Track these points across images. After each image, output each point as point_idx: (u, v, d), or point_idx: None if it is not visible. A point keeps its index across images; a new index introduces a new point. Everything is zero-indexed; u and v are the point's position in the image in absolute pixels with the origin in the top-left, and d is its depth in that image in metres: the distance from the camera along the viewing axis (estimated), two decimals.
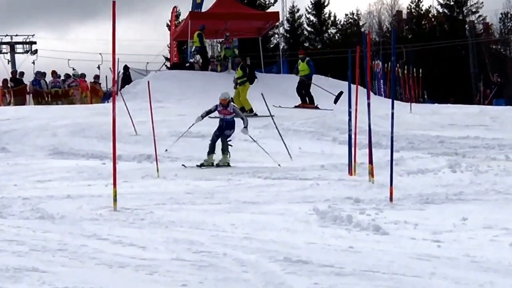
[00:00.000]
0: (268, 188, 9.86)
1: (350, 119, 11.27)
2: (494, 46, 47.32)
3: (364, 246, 5.98)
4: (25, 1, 63.03)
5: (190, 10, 27.90)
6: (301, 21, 49.07)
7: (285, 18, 46.44)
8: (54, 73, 24.41)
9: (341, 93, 17.95)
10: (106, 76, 27.61)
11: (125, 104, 15.46)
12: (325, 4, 48.62)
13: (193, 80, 22.63)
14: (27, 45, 36.36)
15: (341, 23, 49.53)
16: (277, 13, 29.43)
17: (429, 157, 12.71)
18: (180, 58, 30.87)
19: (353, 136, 11.15)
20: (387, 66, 28.13)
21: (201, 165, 11.92)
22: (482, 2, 46.55)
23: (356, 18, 49.61)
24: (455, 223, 7.02)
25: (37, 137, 15.70)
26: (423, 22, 48.19)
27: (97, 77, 25.70)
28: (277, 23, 31.19)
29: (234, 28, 26.17)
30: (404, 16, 49.72)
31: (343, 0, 59.47)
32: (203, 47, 24.63)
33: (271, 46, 44.92)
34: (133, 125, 15.49)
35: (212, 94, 18.48)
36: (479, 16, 47.03)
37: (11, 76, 25.00)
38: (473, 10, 46.86)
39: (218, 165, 12.05)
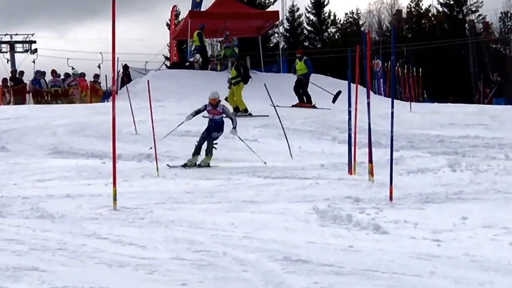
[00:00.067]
0: (268, 187, 9.86)
1: (350, 118, 11.26)
2: (494, 45, 47.32)
3: (363, 245, 5.98)
4: (25, 0, 63.05)
5: (190, 9, 27.89)
6: (301, 20, 49.08)
7: (284, 17, 46.45)
8: (53, 72, 24.40)
9: (339, 92, 17.94)
10: (105, 75, 27.64)
11: (130, 102, 15.38)
12: (325, 3, 48.64)
13: (193, 79, 22.62)
14: (27, 44, 36.34)
15: (341, 22, 49.57)
16: (277, 12, 29.42)
17: (429, 156, 12.71)
18: (180, 57, 30.87)
19: (353, 135, 11.15)
20: (387, 65, 28.13)
21: (185, 165, 11.90)
22: (482, 1, 46.59)
23: (356, 17, 49.64)
24: (455, 222, 7.02)
25: (37, 136, 15.69)
26: (423, 21, 48.18)
27: (96, 76, 25.69)
28: (277, 22, 31.18)
29: (233, 27, 26.16)
30: (404, 15, 49.72)
31: None
32: (203, 46, 24.61)
33: (271, 45, 44.92)
34: (135, 124, 15.47)
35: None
36: (479, 15, 47.07)
37: (10, 75, 24.98)
38: (473, 9, 46.89)
39: (199, 165, 12.02)
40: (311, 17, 48.87)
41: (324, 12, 48.76)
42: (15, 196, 9.03)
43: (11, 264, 5.14)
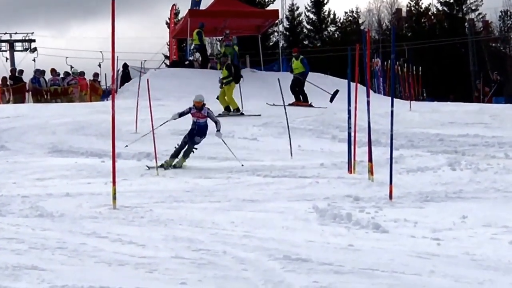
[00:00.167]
0: (267, 186, 9.85)
1: (349, 117, 11.26)
2: (493, 44, 47.30)
3: (363, 244, 5.98)
4: None
5: (189, 8, 27.87)
6: (300, 19, 49.05)
7: (284, 16, 46.43)
8: (53, 71, 24.39)
9: (337, 91, 17.91)
10: (105, 74, 27.62)
11: (137, 101, 15.30)
12: (325, 2, 48.60)
13: (193, 78, 22.60)
14: (26, 43, 36.32)
15: (341, 21, 49.53)
16: (277, 11, 29.38)
17: (428, 155, 12.70)
18: (180, 56, 30.86)
19: (352, 134, 11.14)
20: (387, 64, 28.12)
21: (162, 166, 11.82)
22: (481, 0, 46.57)
23: (355, 16, 49.62)
24: (454, 221, 7.02)
25: (37, 135, 15.68)
26: (422, 20, 48.16)
27: (96, 75, 25.67)
28: (277, 21, 31.15)
29: (233, 26, 26.13)
30: (404, 14, 49.70)
31: None
32: (203, 45, 24.59)
33: (271, 44, 44.91)
34: (136, 123, 15.45)
35: (212, 92, 18.46)
36: (479, 14, 47.04)
37: (10, 74, 24.97)
38: (473, 8, 46.85)
39: (175, 166, 11.94)
40: (311, 15, 48.87)
41: (324, 10, 48.78)
42: (15, 195, 9.02)
43: (11, 263, 5.14)
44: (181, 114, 12.37)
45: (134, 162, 12.62)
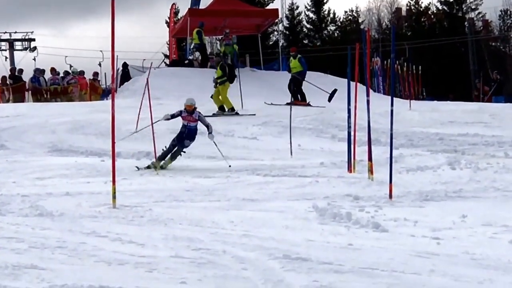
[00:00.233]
0: (267, 186, 9.85)
1: (349, 116, 11.26)
2: (493, 43, 47.29)
3: (363, 244, 5.98)
4: None
5: (189, 7, 27.86)
6: (300, 18, 49.03)
7: (284, 15, 46.40)
8: (53, 70, 24.38)
9: (335, 90, 17.90)
10: (105, 73, 27.61)
11: (142, 100, 15.31)
12: (324, 1, 48.58)
13: (192, 77, 22.59)
14: (26, 42, 36.31)
15: (341, 20, 49.50)
16: (276, 10, 29.36)
17: (428, 154, 12.70)
18: (179, 55, 30.85)
19: (352, 133, 11.14)
20: (387, 63, 28.11)
21: (148, 167, 11.75)
22: None
23: (355, 15, 49.59)
24: (454, 220, 7.02)
25: (36, 134, 15.67)
26: (422, 19, 48.15)
27: (96, 74, 25.66)
28: (276, 20, 31.14)
29: (233, 25, 26.12)
30: (404, 13, 49.68)
31: None
32: (203, 44, 24.59)
33: (270, 43, 44.90)
34: (137, 122, 15.44)
35: (211, 91, 18.47)
36: (479, 13, 47.00)
37: (10, 73, 24.96)
38: (473, 7, 46.82)
39: (161, 167, 11.85)
40: (311, 15, 48.85)
41: (324, 10, 48.75)
42: (15, 194, 9.02)
43: (11, 262, 5.14)
44: (172, 116, 12.22)
45: (133, 161, 12.61)
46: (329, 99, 18.22)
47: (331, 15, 49.00)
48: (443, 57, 41.90)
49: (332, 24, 49.38)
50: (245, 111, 18.18)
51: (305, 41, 48.12)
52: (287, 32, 48.13)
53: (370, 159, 10.26)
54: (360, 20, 49.34)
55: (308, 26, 49.13)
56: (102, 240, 6.12)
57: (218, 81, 18.19)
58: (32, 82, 23.66)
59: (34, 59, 29.70)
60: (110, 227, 6.73)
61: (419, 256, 5.53)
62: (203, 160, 12.59)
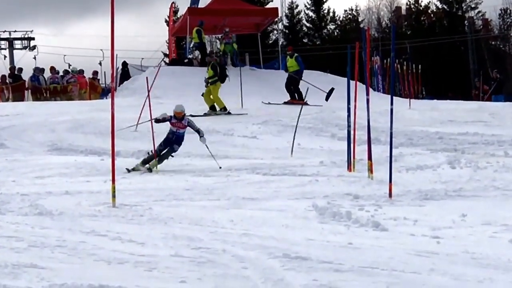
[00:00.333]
0: (267, 185, 9.85)
1: (349, 115, 11.25)
2: (493, 42, 47.28)
3: (363, 242, 5.98)
4: None
5: (189, 5, 27.85)
6: (300, 17, 49.01)
7: (284, 14, 46.37)
8: (52, 69, 24.38)
9: (332, 89, 17.89)
10: (104, 72, 27.60)
11: (148, 98, 15.32)
12: (324, 0, 48.58)
13: (192, 76, 22.58)
14: (26, 41, 36.30)
15: (340, 19, 49.49)
16: (276, 9, 29.34)
17: (428, 153, 12.70)
18: (179, 54, 30.83)
19: (352, 132, 11.14)
20: (386, 62, 28.10)
21: (133, 169, 11.62)
22: None
23: (355, 14, 49.58)
24: (454, 219, 7.02)
25: (36, 133, 15.67)
26: (422, 18, 48.14)
27: (95, 73, 25.66)
28: (276, 19, 31.12)
29: (232, 24, 26.11)
30: (403, 12, 49.67)
31: None
32: (202, 43, 24.57)
33: (270, 42, 44.88)
34: (138, 121, 15.44)
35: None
36: (478, 12, 46.99)
37: (9, 72, 24.95)
38: (472, 6, 46.81)
39: (149, 169, 11.77)
40: (310, 14, 48.84)
41: (323, 9, 48.74)
42: (14, 193, 9.02)
43: (10, 261, 5.13)
44: (164, 119, 12.10)
45: (133, 160, 12.61)
46: (326, 98, 18.21)
47: (331, 14, 49.01)
48: (443, 56, 41.90)
49: (332, 23, 49.38)
50: (244, 110, 18.17)
51: (305, 40, 48.11)
52: (287, 31, 48.11)
53: (369, 158, 10.25)
54: (360, 19, 49.34)
55: (308, 25, 49.11)
56: (101, 239, 6.12)
57: (210, 81, 18.19)
58: (32, 81, 23.65)
59: (35, 58, 29.72)
60: (110, 226, 6.73)
61: (418, 255, 5.53)
62: (203, 159, 12.58)
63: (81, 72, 24.88)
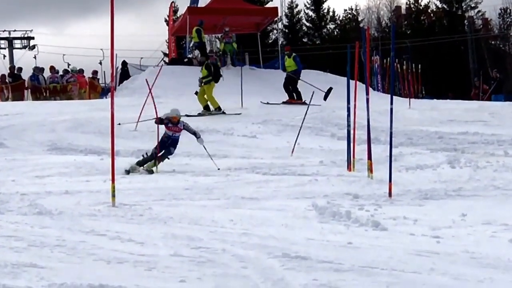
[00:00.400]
0: (266, 184, 9.84)
1: (349, 115, 11.25)
2: (493, 42, 47.28)
3: (363, 242, 5.98)
4: None
5: (188, 5, 27.85)
6: (299, 17, 49.02)
7: (283, 13, 46.37)
8: (52, 68, 24.38)
9: (330, 89, 17.89)
10: (104, 72, 27.60)
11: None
12: None
13: (192, 76, 22.56)
14: (25, 41, 36.30)
15: (340, 18, 49.51)
16: (276, 8, 29.35)
17: (428, 152, 12.70)
18: (179, 54, 30.83)
19: (352, 132, 11.14)
20: (386, 61, 28.10)
21: (128, 172, 11.61)
22: None
23: (355, 13, 49.59)
24: (454, 219, 7.01)
25: (35, 132, 15.67)
26: (422, 18, 48.14)
27: (95, 72, 25.66)
28: (276, 19, 31.12)
29: (232, 23, 26.12)
30: (403, 11, 49.68)
31: None
32: (202, 42, 24.58)
33: (270, 41, 44.89)
34: (138, 120, 15.45)
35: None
36: (478, 11, 47.01)
37: (9, 71, 24.95)
38: (472, 5, 46.83)
39: (149, 171, 11.75)
40: (310, 13, 48.85)
41: (323, 8, 48.75)
42: (14, 193, 9.01)
43: (10, 261, 5.13)
44: (161, 122, 12.06)
45: (133, 160, 12.60)
46: (325, 98, 18.21)
47: (331, 14, 49.02)
48: (442, 56, 41.90)
49: (332, 23, 49.39)
50: (242, 110, 18.17)
51: (305, 40, 48.12)
52: (287, 31, 48.12)
53: (369, 157, 10.25)
54: (359, 19, 49.36)
55: (308, 24, 49.13)
56: (101, 238, 6.11)
57: (204, 80, 18.18)
58: (32, 81, 23.66)
59: (35, 57, 29.72)
60: (109, 226, 6.72)
61: (418, 254, 5.52)
62: (203, 159, 12.58)
63: (80, 71, 24.88)
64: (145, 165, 11.73)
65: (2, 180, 10.28)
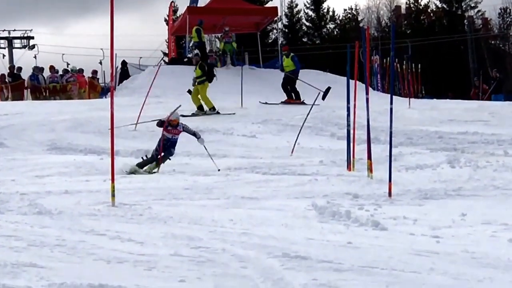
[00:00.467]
0: (266, 184, 9.84)
1: (348, 115, 11.25)
2: (493, 42, 47.28)
3: (362, 242, 5.97)
4: None
5: (188, 5, 27.85)
6: (299, 16, 49.02)
7: (283, 13, 46.36)
8: (52, 68, 24.37)
9: (328, 88, 17.91)
10: (103, 72, 27.61)
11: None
12: None
13: (191, 76, 22.58)
14: (25, 40, 36.29)
15: (340, 18, 49.50)
16: (276, 8, 29.35)
17: (427, 152, 12.70)
18: (178, 53, 30.83)
19: (351, 132, 11.13)
20: (386, 61, 28.10)
21: (132, 172, 11.60)
22: None
23: (354, 13, 49.59)
24: (454, 218, 7.01)
25: (35, 132, 15.67)
26: (421, 17, 48.14)
27: (95, 72, 25.66)
28: (276, 18, 31.11)
29: (232, 23, 26.12)
30: (403, 11, 49.68)
31: None
32: (202, 42, 24.58)
33: (270, 41, 44.88)
34: (138, 120, 15.44)
35: (210, 89, 18.45)
36: (478, 11, 47.01)
37: (8, 71, 24.94)
38: (472, 5, 46.83)
39: (149, 172, 11.74)
40: (310, 13, 48.85)
41: (323, 8, 48.76)
42: (13, 192, 9.01)
43: (9, 261, 5.12)
44: (162, 124, 12.04)
45: (132, 160, 12.60)
46: (323, 97, 18.22)
47: (330, 13, 49.02)
48: (442, 55, 41.89)
49: (332, 22, 49.39)
50: (244, 109, 18.17)
51: (304, 39, 48.12)
52: (286, 30, 48.12)
53: (369, 157, 10.24)
54: (359, 18, 49.36)
55: (308, 24, 49.13)
56: (101, 238, 6.11)
57: (198, 80, 18.16)
58: (31, 80, 23.66)
59: (35, 57, 29.73)
60: (109, 225, 6.72)
61: (418, 254, 5.52)
62: (202, 158, 12.58)
63: (80, 71, 24.88)
64: (146, 167, 11.72)
65: (2, 180, 10.28)
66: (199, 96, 18.11)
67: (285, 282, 4.68)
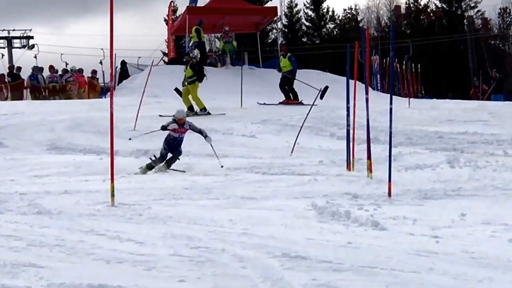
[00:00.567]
0: (266, 184, 9.83)
1: (348, 115, 11.24)
2: (492, 42, 47.29)
3: (362, 242, 5.97)
4: None
5: (188, 4, 27.83)
6: (299, 16, 49.02)
7: (283, 13, 46.39)
8: (51, 68, 24.36)
9: (326, 88, 17.91)
10: (103, 72, 27.57)
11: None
12: None
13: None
14: (25, 40, 36.29)
15: (339, 18, 49.51)
16: (275, 8, 29.32)
17: (427, 152, 12.70)
18: (178, 53, 30.81)
19: (351, 132, 11.13)
20: (386, 61, 28.10)
21: (144, 172, 11.58)
22: None
23: (354, 13, 49.59)
24: (453, 218, 7.01)
25: (35, 132, 15.66)
26: (421, 17, 48.14)
27: (94, 72, 25.65)
28: (275, 18, 31.10)
29: (231, 23, 26.11)
30: (403, 11, 49.69)
31: None
32: (201, 42, 24.57)
33: (269, 41, 44.88)
34: (136, 120, 15.42)
35: (210, 89, 18.46)
36: (478, 11, 47.01)
37: (8, 71, 24.93)
38: (472, 5, 46.83)
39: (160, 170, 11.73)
40: (310, 13, 48.84)
41: (323, 8, 48.75)
42: (13, 192, 9.00)
43: (9, 261, 5.12)
44: (165, 127, 12.05)
45: (132, 160, 12.60)
46: (321, 97, 18.21)
47: (330, 13, 49.02)
48: (442, 55, 41.90)
49: (331, 22, 49.40)
50: (243, 109, 18.16)
51: (304, 39, 48.13)
52: (286, 30, 48.13)
53: (369, 157, 10.24)
54: (359, 18, 49.37)
55: (307, 24, 49.13)
56: (100, 238, 6.10)
57: (188, 80, 18.12)
58: (31, 80, 23.65)
59: (35, 57, 29.70)
60: (109, 225, 6.72)
61: (418, 254, 5.52)
62: (202, 158, 12.58)
63: (80, 71, 24.87)
64: (156, 168, 11.69)
65: (1, 180, 10.27)
66: (189, 96, 18.03)
67: (284, 282, 4.68)
